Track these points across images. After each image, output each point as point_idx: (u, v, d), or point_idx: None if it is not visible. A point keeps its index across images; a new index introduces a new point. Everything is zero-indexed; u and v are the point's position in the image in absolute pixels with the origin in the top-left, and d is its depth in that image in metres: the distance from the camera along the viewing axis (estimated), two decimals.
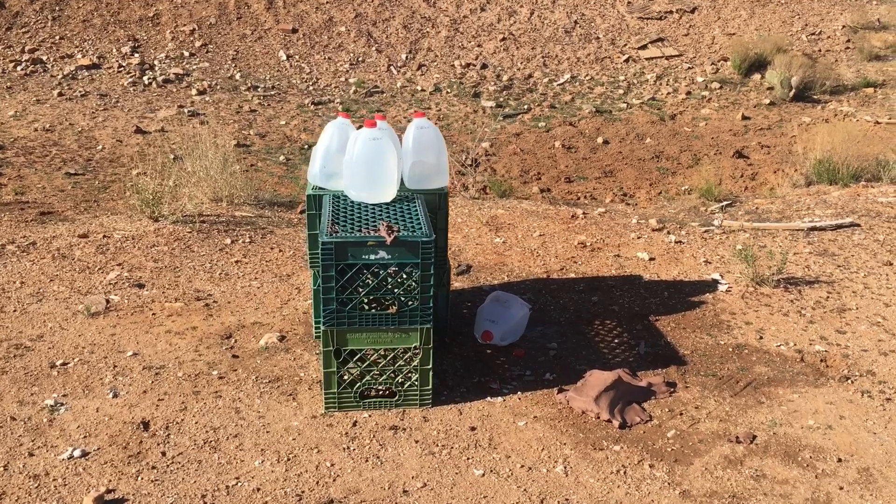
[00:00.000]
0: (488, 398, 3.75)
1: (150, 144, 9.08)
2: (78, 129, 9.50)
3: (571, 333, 4.37)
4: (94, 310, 4.44)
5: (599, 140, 10.33)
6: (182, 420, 3.51)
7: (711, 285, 5.00)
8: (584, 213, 6.49)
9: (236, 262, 5.20)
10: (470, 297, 4.81)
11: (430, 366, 3.60)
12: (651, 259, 5.39)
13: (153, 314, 4.44)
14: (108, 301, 4.56)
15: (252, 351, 4.09)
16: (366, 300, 3.60)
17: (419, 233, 3.47)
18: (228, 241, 5.55)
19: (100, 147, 9.00)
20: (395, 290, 3.53)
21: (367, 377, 3.59)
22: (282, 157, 9.05)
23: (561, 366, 4.05)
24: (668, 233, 5.91)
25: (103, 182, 8.10)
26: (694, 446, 3.44)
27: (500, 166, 9.53)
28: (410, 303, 3.52)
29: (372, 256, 3.43)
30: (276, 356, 4.05)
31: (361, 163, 3.75)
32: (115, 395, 3.67)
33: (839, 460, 3.37)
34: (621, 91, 11.89)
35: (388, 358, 3.59)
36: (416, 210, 3.73)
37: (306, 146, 9.36)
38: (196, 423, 3.49)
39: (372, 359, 3.59)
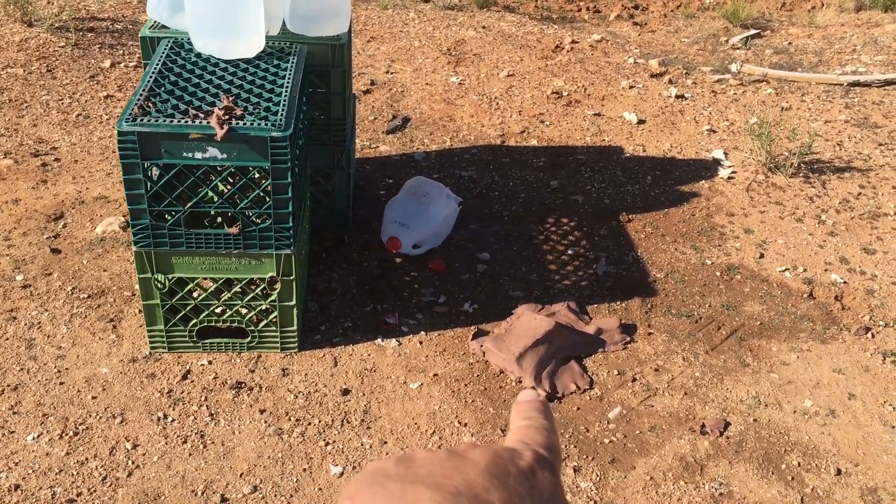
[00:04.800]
0: (379, 340, 2.79)
1: None
2: None
3: (514, 237, 3.32)
4: None
5: None
6: None
7: (711, 167, 3.87)
8: (572, 43, 5.19)
9: (106, 97, 4.05)
10: (395, 168, 3.72)
11: (294, 301, 2.60)
12: (640, 122, 4.21)
13: None
14: None
15: (81, 243, 3.08)
16: (210, 213, 2.53)
17: (272, 122, 2.34)
18: (108, 63, 4.36)
19: None
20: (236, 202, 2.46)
21: (205, 313, 2.61)
22: None
23: (489, 290, 3.05)
24: (670, 82, 4.66)
25: None
26: (641, 437, 2.52)
27: None
28: (261, 221, 2.46)
29: (198, 155, 2.33)
30: (112, 254, 3.04)
31: None
32: None
33: (838, 472, 2.45)
34: None
35: (234, 290, 2.58)
36: (286, 76, 2.56)
37: None
38: None
39: (212, 289, 2.58)
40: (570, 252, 3.27)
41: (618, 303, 3.02)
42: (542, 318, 2.77)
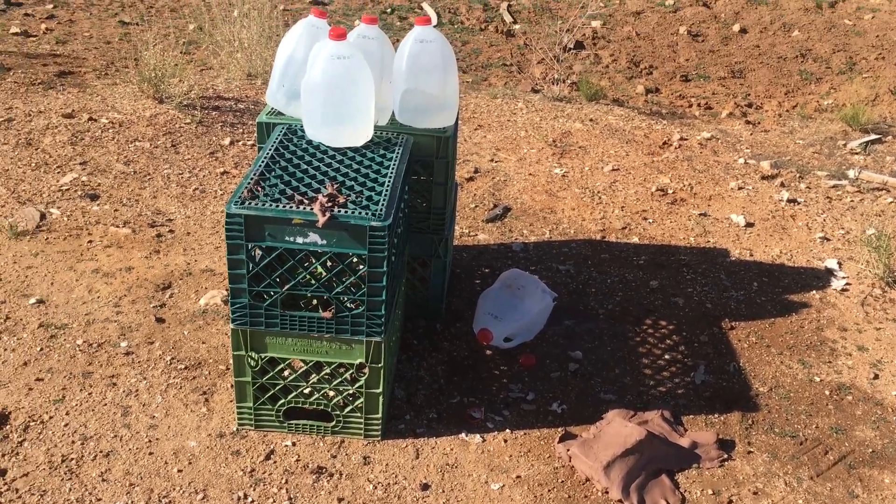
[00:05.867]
0: (463, 434, 2.73)
1: None
2: None
3: (608, 337, 3.24)
4: (22, 228, 3.62)
5: (735, 28, 8.58)
6: (51, 418, 2.67)
7: (823, 277, 3.70)
8: (680, 139, 5.13)
9: (222, 173, 4.24)
10: (492, 258, 3.71)
11: (381, 389, 2.59)
12: (748, 225, 4.08)
13: (89, 242, 3.58)
14: (43, 216, 3.72)
15: (184, 314, 3.19)
16: (306, 296, 2.56)
17: (372, 211, 2.38)
18: (227, 140, 4.58)
19: None
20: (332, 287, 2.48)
21: (294, 394, 2.63)
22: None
23: (579, 390, 2.96)
24: (782, 185, 4.53)
25: (156, 35, 7.21)
26: None
27: (607, 54, 8.03)
28: (354, 307, 2.49)
29: (300, 240, 2.38)
30: (212, 327, 3.13)
31: (320, 90, 2.63)
32: None
33: None
34: None
35: (323, 373, 2.60)
36: (391, 167, 2.62)
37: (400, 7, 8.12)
38: (66, 425, 2.65)
39: (301, 371, 2.61)
40: (666, 357, 3.16)
41: (716, 415, 2.88)
42: (634, 426, 2.67)
